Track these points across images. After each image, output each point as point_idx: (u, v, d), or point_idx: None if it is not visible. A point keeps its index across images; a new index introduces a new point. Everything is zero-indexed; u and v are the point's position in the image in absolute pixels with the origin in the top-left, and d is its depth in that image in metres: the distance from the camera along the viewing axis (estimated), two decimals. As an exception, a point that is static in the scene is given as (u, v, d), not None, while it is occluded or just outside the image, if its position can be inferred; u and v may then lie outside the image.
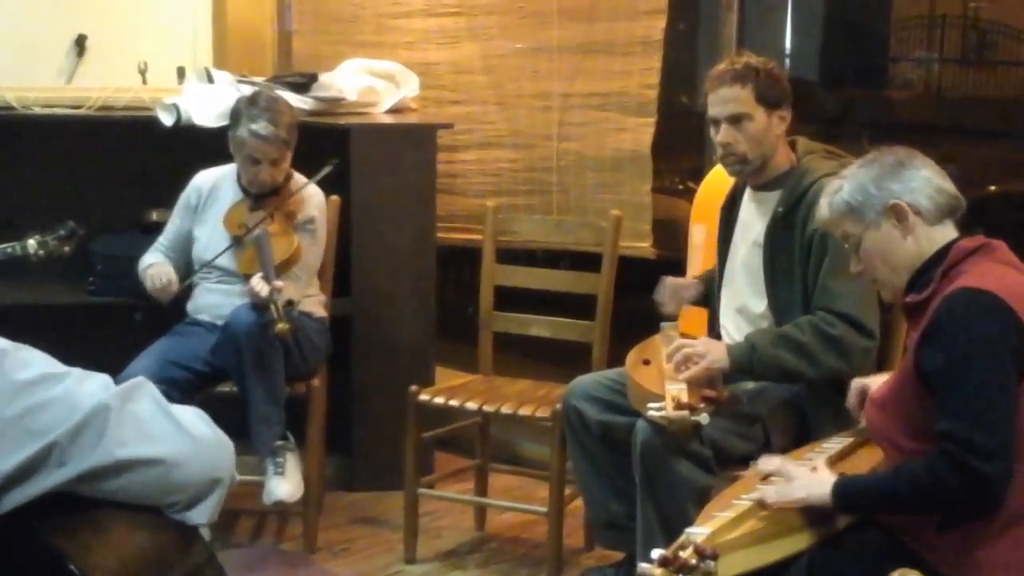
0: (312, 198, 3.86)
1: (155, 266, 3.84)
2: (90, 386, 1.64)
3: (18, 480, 1.58)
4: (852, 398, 2.70)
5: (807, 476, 2.39)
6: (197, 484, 1.69)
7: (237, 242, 3.76)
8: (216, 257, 3.77)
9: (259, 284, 3.51)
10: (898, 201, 2.39)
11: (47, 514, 1.59)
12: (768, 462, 2.51)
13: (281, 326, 3.47)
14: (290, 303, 3.58)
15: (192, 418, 1.73)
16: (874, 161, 2.46)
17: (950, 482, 2.19)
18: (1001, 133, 4.90)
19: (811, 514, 2.34)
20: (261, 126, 3.67)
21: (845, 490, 2.31)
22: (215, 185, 3.91)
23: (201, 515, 1.71)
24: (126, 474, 1.62)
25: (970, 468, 2.15)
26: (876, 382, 2.63)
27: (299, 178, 3.86)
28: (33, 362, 1.64)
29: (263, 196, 3.81)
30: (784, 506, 2.34)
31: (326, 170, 3.86)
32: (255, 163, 3.74)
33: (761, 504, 2.35)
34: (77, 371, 1.66)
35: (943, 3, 5.10)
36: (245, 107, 3.74)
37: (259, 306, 3.52)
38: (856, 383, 2.70)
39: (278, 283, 3.53)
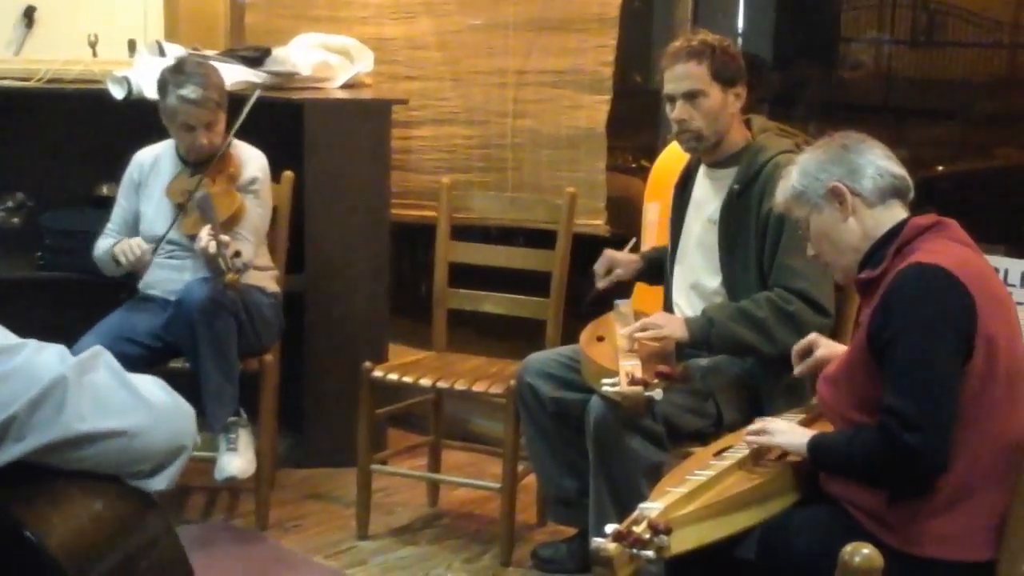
0: (252, 159, 3.83)
1: (120, 243, 3.79)
2: (47, 357, 1.62)
3: None
4: (799, 346, 2.72)
5: (790, 427, 2.50)
6: (160, 452, 1.69)
7: (181, 209, 3.73)
8: (169, 229, 3.73)
9: (206, 239, 3.49)
10: (837, 183, 2.44)
11: (4, 483, 1.58)
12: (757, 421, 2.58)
13: (231, 276, 3.46)
14: (238, 254, 3.54)
15: (151, 386, 1.72)
16: (822, 146, 2.53)
17: (885, 454, 2.23)
18: (950, 114, 4.95)
19: (763, 490, 2.37)
20: (190, 90, 3.64)
21: (817, 444, 2.39)
22: (155, 160, 3.88)
23: (161, 482, 1.70)
24: (87, 447, 1.61)
25: (900, 441, 2.20)
26: (826, 343, 2.68)
27: (237, 143, 3.83)
28: None
29: (203, 163, 3.77)
30: (765, 445, 2.49)
31: (251, 101, 3.81)
32: (190, 129, 3.70)
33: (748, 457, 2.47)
34: (33, 342, 1.64)
35: (894, -17, 5.13)
36: (171, 75, 3.71)
37: (208, 262, 3.51)
38: (806, 339, 2.72)
39: (224, 237, 3.51)
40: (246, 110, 3.78)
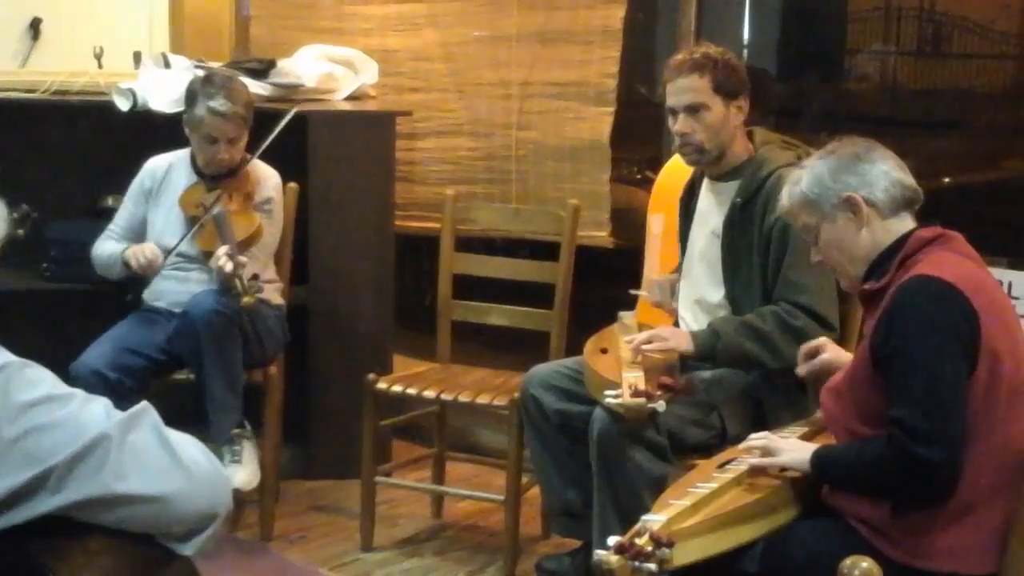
0: (269, 179, 3.83)
1: (131, 248, 3.76)
2: (93, 411, 1.61)
3: (10, 504, 1.56)
4: (808, 346, 2.73)
5: (791, 444, 2.47)
6: (193, 519, 1.67)
7: (195, 222, 3.72)
8: (181, 240, 3.73)
9: (223, 259, 3.49)
10: (852, 194, 2.42)
11: (36, 534, 1.58)
12: (756, 435, 2.56)
13: (247, 299, 3.47)
14: (255, 277, 3.56)
15: (192, 450, 1.70)
16: (832, 153, 2.49)
17: (896, 468, 2.22)
18: (955, 125, 4.95)
19: (766, 503, 2.37)
20: (219, 103, 3.63)
21: (822, 458, 2.38)
22: (169, 169, 3.87)
23: (189, 548, 1.69)
24: (121, 508, 1.60)
25: (913, 455, 2.18)
26: (832, 347, 2.69)
27: (255, 161, 3.83)
28: (39, 382, 1.61)
29: (219, 177, 3.77)
30: (768, 466, 2.44)
31: (287, 118, 3.80)
32: (213, 142, 3.70)
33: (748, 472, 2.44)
34: (80, 393, 1.63)
35: (898, -5, 5.15)
36: (201, 86, 3.70)
37: (224, 281, 3.50)
38: (816, 341, 2.74)
39: (242, 258, 3.51)
40: (275, 132, 3.78)
